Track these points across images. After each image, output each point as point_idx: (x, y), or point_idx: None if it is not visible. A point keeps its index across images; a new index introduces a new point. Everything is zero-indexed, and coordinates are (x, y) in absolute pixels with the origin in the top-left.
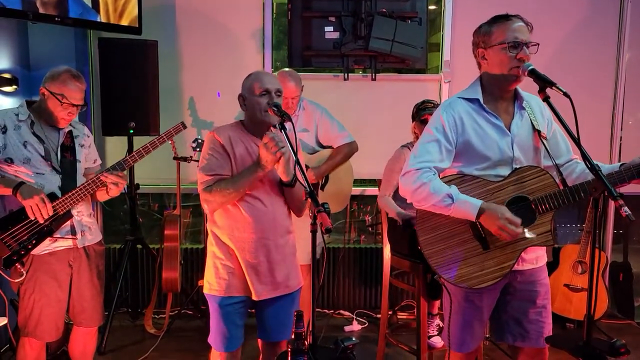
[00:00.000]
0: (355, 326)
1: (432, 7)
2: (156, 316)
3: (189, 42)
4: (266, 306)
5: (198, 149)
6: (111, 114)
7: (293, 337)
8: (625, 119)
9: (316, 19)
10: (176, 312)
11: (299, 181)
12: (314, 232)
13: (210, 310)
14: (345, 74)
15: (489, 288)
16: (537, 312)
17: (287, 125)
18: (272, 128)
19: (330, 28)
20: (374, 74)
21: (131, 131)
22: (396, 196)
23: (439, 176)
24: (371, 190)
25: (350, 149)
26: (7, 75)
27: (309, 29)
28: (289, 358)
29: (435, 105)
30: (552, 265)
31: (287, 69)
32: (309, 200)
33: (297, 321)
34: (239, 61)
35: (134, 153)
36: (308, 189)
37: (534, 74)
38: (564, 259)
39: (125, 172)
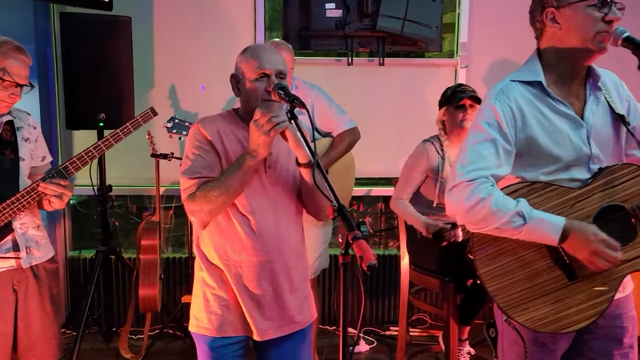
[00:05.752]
0: (363, 346)
1: None
2: (133, 337)
3: (168, 20)
4: (271, 347)
5: (174, 131)
6: (77, 104)
7: None
8: None
9: None
10: (157, 331)
11: (321, 191)
12: (344, 264)
13: (198, 353)
14: (349, 58)
15: None
16: (623, 354)
17: (299, 113)
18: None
19: (332, 5)
20: (381, 58)
21: (101, 124)
22: (418, 200)
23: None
24: (377, 191)
25: (353, 137)
26: None
27: (307, 5)
28: None
29: (474, 91)
30: None
31: (277, 39)
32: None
33: None
34: (226, 43)
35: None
36: (337, 204)
37: (631, 42)
38: None
39: (70, 179)
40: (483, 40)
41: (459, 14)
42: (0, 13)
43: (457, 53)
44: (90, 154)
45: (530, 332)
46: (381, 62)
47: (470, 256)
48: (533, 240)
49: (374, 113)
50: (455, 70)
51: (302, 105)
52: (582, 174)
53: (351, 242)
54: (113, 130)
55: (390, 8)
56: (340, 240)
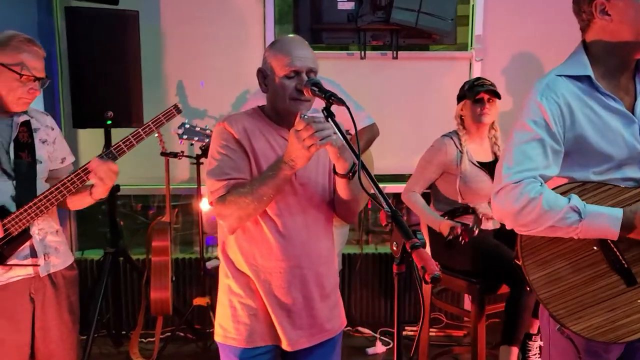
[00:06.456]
0: (379, 347)
1: None
2: (143, 340)
3: (176, 14)
4: (301, 357)
5: (185, 137)
6: (83, 101)
7: None
8: None
9: None
10: (167, 334)
11: (370, 196)
12: (399, 274)
13: None
14: (362, 52)
15: None
16: None
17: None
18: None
19: None
20: (395, 52)
21: (109, 122)
22: (441, 200)
23: None
24: (392, 188)
25: (372, 134)
26: None
27: None
28: None
29: (492, 85)
30: None
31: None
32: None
33: None
34: (235, 38)
35: (130, 137)
36: (390, 210)
37: None
38: None
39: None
40: (498, 32)
41: (473, 5)
42: (0, 8)
43: (471, 46)
44: (110, 155)
45: (585, 341)
46: (395, 55)
47: (517, 262)
48: (590, 236)
49: (386, 108)
50: (470, 64)
51: (341, 102)
52: (636, 172)
53: (409, 250)
54: (135, 130)
55: (404, 0)
56: (394, 248)
